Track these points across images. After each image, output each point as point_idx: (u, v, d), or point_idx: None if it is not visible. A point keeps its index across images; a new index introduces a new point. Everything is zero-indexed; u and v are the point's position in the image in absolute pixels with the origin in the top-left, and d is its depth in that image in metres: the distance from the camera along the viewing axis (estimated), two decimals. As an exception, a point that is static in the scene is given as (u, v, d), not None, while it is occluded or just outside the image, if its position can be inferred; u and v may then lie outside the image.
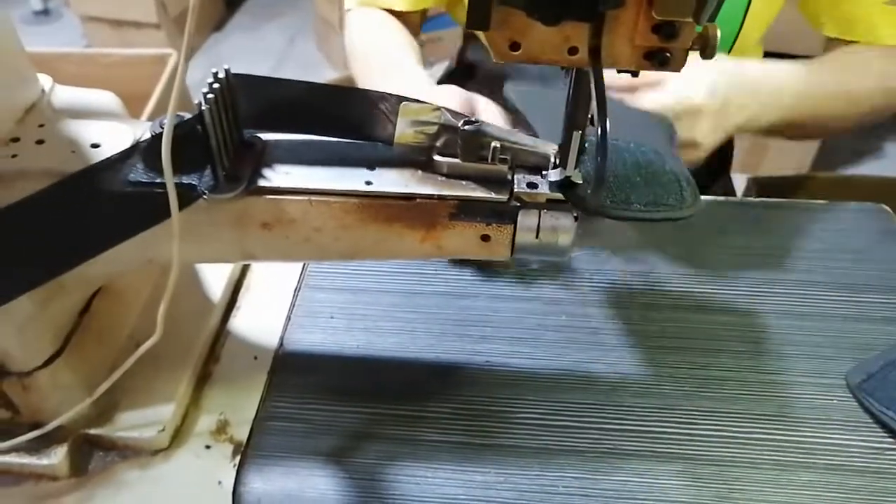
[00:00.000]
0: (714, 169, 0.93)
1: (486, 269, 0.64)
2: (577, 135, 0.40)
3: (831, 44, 0.79)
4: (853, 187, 1.22)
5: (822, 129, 0.80)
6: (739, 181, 1.05)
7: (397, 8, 0.84)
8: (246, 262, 0.64)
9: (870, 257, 0.66)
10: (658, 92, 0.60)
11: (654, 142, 0.51)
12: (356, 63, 0.86)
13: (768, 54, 0.97)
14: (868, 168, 2.11)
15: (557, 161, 0.43)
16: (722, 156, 0.94)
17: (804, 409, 0.53)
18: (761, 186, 1.23)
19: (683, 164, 0.49)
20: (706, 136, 0.62)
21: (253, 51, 2.66)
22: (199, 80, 0.40)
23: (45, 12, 2.83)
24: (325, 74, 2.40)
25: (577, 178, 0.42)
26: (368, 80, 0.81)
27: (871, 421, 0.53)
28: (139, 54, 1.67)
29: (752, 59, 0.71)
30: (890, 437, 0.52)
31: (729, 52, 0.83)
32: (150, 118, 0.84)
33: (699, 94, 0.61)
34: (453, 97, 0.60)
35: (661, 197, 0.45)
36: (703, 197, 0.72)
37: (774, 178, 1.28)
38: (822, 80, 0.72)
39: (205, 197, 0.41)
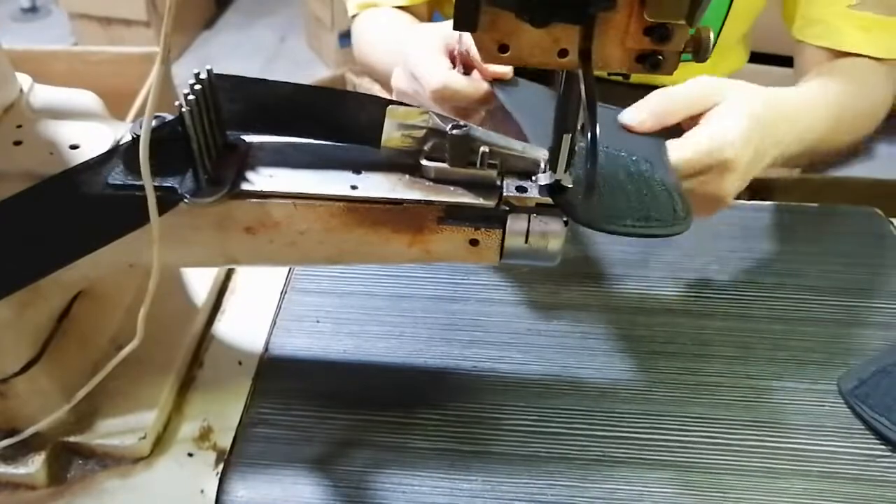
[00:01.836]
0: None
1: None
2: (566, 138, 0.40)
3: (799, 47, 0.80)
4: (845, 189, 1.22)
5: (833, 153, 0.76)
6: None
7: (401, 3, 0.83)
8: (229, 267, 0.63)
9: (862, 261, 0.66)
10: (686, 141, 0.52)
11: (647, 151, 0.49)
12: (371, 53, 0.84)
13: (757, 55, 0.96)
14: (859, 170, 2.11)
15: (547, 166, 0.42)
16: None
17: (796, 416, 0.53)
18: (752, 188, 1.23)
19: (675, 175, 0.48)
20: (732, 192, 0.55)
21: (244, 49, 2.64)
22: (189, 80, 0.40)
23: (34, 9, 2.81)
24: (316, 73, 2.39)
25: (567, 182, 0.41)
26: (386, 56, 0.79)
27: (863, 427, 0.52)
28: (128, 52, 1.66)
29: (783, 90, 0.63)
30: (882, 443, 0.51)
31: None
32: (137, 117, 0.83)
33: (733, 146, 0.51)
34: (433, 40, 0.57)
35: (653, 210, 0.44)
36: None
37: (766, 180, 1.28)
38: (843, 104, 0.69)
39: (186, 201, 0.40)
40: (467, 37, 0.52)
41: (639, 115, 0.52)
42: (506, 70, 0.53)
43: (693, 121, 0.53)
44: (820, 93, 0.68)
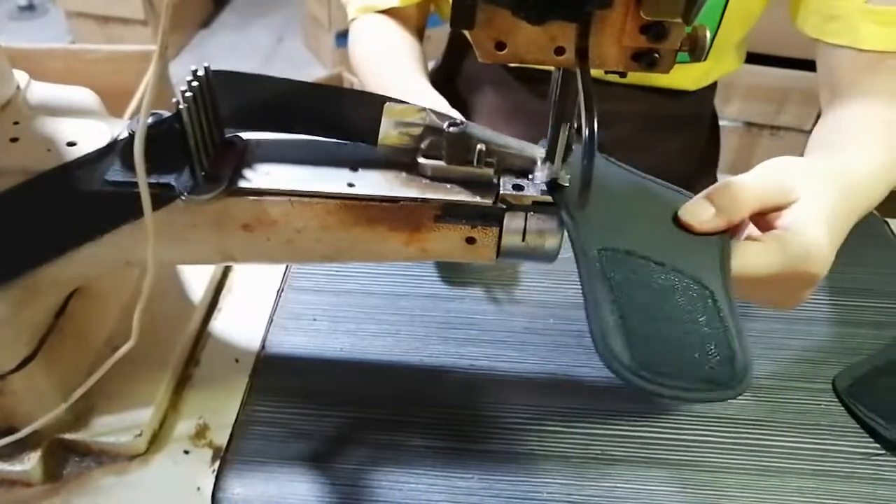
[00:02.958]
0: (700, 171, 0.92)
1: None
2: (564, 129, 0.40)
3: (819, 48, 0.78)
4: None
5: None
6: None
7: (394, 4, 0.83)
8: (226, 265, 0.62)
9: (858, 261, 0.66)
10: (764, 246, 0.44)
11: (702, 256, 0.42)
12: (364, 80, 0.84)
13: (757, 56, 0.96)
14: (855, 170, 2.11)
15: (544, 163, 0.42)
16: (709, 155, 0.94)
17: (792, 415, 0.53)
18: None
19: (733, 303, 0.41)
20: (805, 300, 0.48)
21: (240, 48, 2.64)
22: (186, 78, 0.40)
23: (31, 8, 2.81)
24: (313, 72, 2.39)
25: (565, 178, 0.41)
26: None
27: (858, 426, 0.52)
28: (125, 51, 1.65)
29: (853, 164, 0.54)
30: (877, 442, 0.51)
31: (706, 53, 0.82)
32: (134, 115, 0.83)
33: (820, 259, 0.44)
34: None
35: (705, 364, 0.37)
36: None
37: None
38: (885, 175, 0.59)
39: (183, 198, 0.40)
40: None
41: (703, 211, 0.43)
42: None
43: (761, 217, 0.46)
44: (882, 155, 0.58)
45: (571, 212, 0.41)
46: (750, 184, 0.44)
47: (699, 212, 0.43)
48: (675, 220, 0.44)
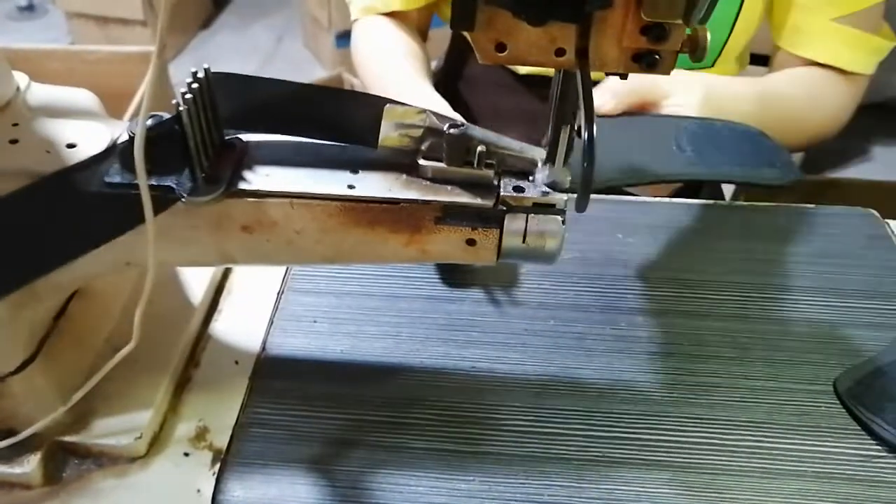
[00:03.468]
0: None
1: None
2: (565, 130, 0.40)
3: (778, 54, 0.81)
4: (841, 190, 1.23)
5: None
6: (727, 185, 1.05)
7: (396, 8, 0.83)
8: (226, 266, 0.62)
9: (858, 262, 0.66)
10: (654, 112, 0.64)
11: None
12: (366, 82, 0.85)
13: (756, 56, 0.97)
14: (856, 171, 2.12)
15: (545, 163, 0.42)
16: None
17: (793, 417, 0.53)
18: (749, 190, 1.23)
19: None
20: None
21: (240, 49, 2.64)
22: (186, 79, 0.40)
23: (31, 8, 2.81)
24: (313, 73, 2.39)
25: (566, 178, 0.41)
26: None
27: (859, 428, 0.52)
28: (125, 52, 1.65)
29: (722, 77, 0.75)
30: (878, 444, 0.51)
31: (715, 60, 0.83)
32: (134, 116, 0.83)
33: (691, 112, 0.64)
34: None
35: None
36: (688, 201, 0.73)
37: (763, 182, 1.28)
38: (782, 107, 0.75)
39: (183, 199, 0.40)
40: None
41: (599, 98, 0.62)
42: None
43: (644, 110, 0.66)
44: (757, 90, 0.76)
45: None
46: (633, 80, 0.56)
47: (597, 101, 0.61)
48: None
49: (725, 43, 0.81)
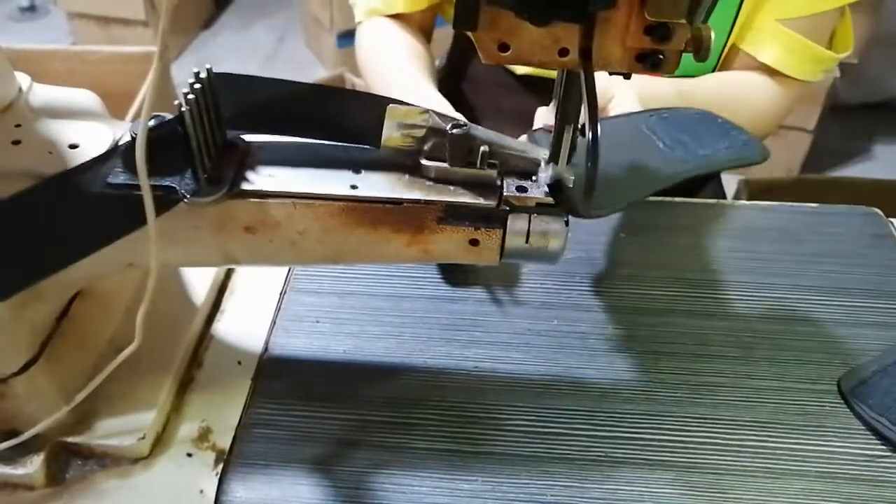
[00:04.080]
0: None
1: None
2: (568, 130, 0.40)
3: (731, 51, 0.82)
4: (843, 189, 1.23)
5: None
6: (730, 184, 1.05)
7: (400, 10, 0.83)
8: (229, 267, 0.62)
9: (861, 261, 0.66)
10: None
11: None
12: (369, 83, 0.85)
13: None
14: (858, 170, 2.12)
15: (548, 163, 0.42)
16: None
17: (796, 416, 0.53)
18: (752, 189, 1.23)
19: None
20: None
21: (242, 50, 2.64)
22: (188, 80, 0.39)
23: (32, 9, 2.80)
24: (315, 73, 2.39)
25: (569, 177, 0.41)
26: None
27: (863, 428, 0.52)
28: (126, 52, 1.65)
29: (645, 77, 0.74)
30: (882, 444, 0.51)
31: (717, 63, 0.83)
32: (136, 116, 0.83)
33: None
34: None
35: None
36: (691, 200, 0.73)
37: (765, 181, 1.28)
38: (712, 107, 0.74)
39: (185, 200, 0.40)
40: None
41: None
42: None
43: None
44: (677, 88, 0.77)
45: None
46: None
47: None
48: None
49: (725, 45, 0.81)
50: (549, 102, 0.42)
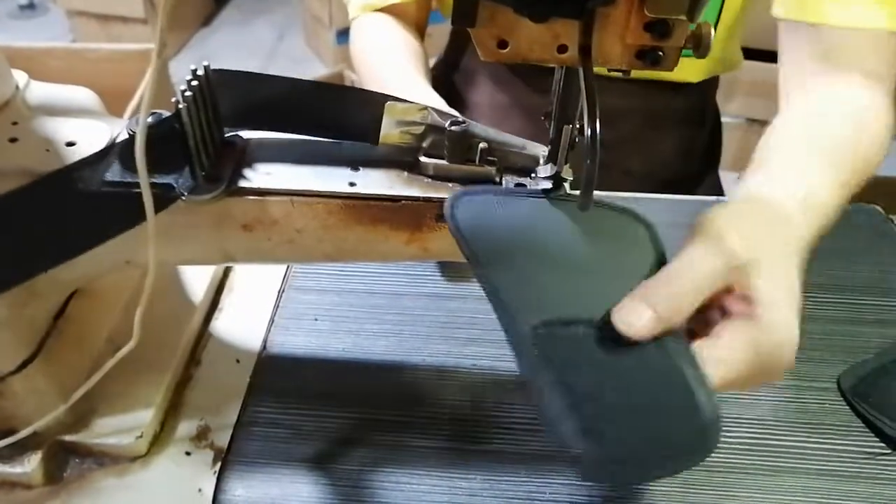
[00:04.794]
0: (702, 167, 0.92)
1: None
2: (566, 130, 0.39)
3: (782, 27, 0.70)
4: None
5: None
6: (729, 180, 1.05)
7: (393, 0, 0.83)
8: (227, 265, 0.62)
9: (862, 258, 0.66)
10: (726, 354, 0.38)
11: None
12: (363, 78, 0.84)
13: (757, 51, 0.96)
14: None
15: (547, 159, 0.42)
16: (710, 154, 0.94)
17: (796, 414, 0.53)
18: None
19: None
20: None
21: (241, 46, 2.63)
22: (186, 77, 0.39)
23: (31, 6, 2.80)
24: (314, 70, 2.39)
25: (567, 176, 0.41)
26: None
27: (863, 426, 0.52)
28: (125, 49, 1.65)
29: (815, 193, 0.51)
30: (882, 441, 0.51)
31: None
32: (134, 114, 0.83)
33: (791, 343, 0.39)
34: None
35: (674, 433, 0.35)
36: (689, 197, 0.72)
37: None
38: (850, 178, 0.56)
39: (183, 198, 0.40)
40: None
41: (638, 316, 0.36)
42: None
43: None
44: (829, 181, 0.53)
45: (491, 277, 0.37)
46: (690, 275, 0.38)
47: (633, 318, 0.36)
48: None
49: (715, 27, 0.79)
50: (544, 93, 0.41)
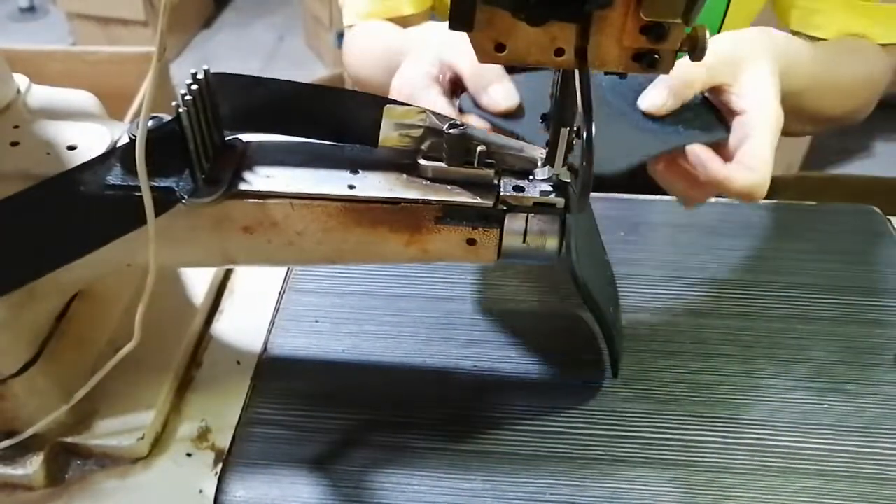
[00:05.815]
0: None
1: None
2: (564, 132, 0.40)
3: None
4: (843, 187, 1.22)
5: (815, 119, 0.73)
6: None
7: (406, 12, 0.82)
8: (227, 267, 0.62)
9: (860, 259, 0.66)
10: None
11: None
12: (360, 66, 0.84)
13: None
14: (857, 167, 2.12)
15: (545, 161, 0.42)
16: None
17: (795, 414, 0.53)
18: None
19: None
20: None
21: (242, 48, 2.64)
22: (186, 79, 0.40)
23: (32, 9, 2.81)
24: (314, 72, 2.39)
25: (565, 177, 0.41)
26: (376, 69, 0.78)
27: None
28: (126, 52, 1.65)
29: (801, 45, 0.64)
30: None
31: None
32: (135, 117, 0.83)
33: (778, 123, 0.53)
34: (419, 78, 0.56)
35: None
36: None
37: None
38: (829, 65, 0.68)
39: (183, 201, 0.40)
40: (455, 60, 0.54)
41: (659, 97, 0.52)
42: (510, 105, 0.52)
43: (715, 91, 0.54)
44: (810, 46, 0.66)
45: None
46: (698, 65, 0.46)
47: (657, 100, 0.51)
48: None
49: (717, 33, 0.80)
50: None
